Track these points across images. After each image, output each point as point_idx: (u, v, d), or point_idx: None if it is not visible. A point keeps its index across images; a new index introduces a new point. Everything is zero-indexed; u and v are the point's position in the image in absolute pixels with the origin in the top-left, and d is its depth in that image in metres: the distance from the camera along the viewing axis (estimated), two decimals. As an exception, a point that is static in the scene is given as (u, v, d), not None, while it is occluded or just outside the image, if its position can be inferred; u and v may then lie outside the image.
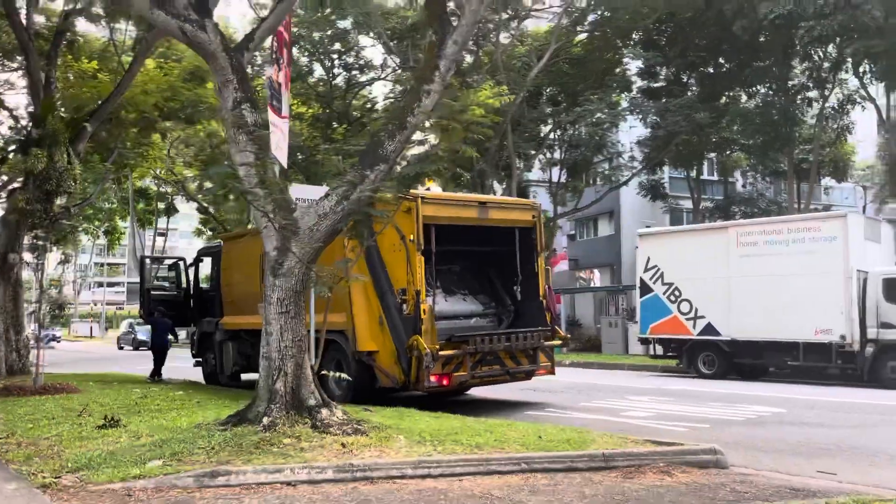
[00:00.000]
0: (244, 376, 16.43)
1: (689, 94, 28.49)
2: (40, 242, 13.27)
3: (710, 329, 16.00)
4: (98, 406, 10.95)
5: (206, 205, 46.63)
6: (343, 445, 6.59)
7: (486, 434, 7.30)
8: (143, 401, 11.63)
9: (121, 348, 40.69)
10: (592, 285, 39.32)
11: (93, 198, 19.63)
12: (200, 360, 17.24)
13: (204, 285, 17.87)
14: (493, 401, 12.59)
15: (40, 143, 15.86)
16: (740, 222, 18.84)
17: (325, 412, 7.32)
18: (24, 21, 16.93)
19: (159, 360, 17.00)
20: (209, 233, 52.22)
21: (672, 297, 16.73)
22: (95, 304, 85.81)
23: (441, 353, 10.48)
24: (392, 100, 33.50)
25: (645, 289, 17.32)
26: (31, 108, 17.76)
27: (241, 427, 7.23)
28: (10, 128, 17.52)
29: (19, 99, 25.11)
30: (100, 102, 17.76)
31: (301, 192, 10.82)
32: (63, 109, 17.14)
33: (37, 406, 11.19)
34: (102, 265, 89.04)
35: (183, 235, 76.70)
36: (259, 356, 14.85)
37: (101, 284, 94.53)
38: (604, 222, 41.80)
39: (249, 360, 15.59)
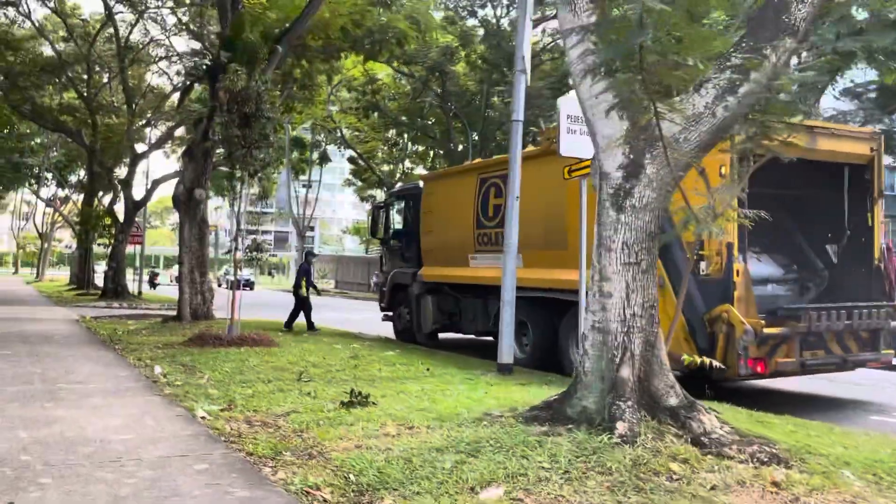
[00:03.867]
0: (443, 335, 14.50)
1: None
2: (238, 173, 11.56)
3: None
4: (312, 368, 9.10)
5: (360, 152, 45.62)
6: (776, 486, 4.03)
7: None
8: (360, 363, 9.70)
9: (219, 285, 41.18)
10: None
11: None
12: (391, 314, 15.41)
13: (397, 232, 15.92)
14: (785, 393, 9.71)
15: (230, 67, 14.27)
16: None
17: (704, 420, 4.78)
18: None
19: (303, 310, 15.24)
20: (359, 183, 51.44)
21: None
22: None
23: (766, 330, 7.72)
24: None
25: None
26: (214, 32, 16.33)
27: (571, 430, 4.86)
28: (197, 52, 16.10)
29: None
30: (287, 25, 16.03)
31: (575, 107, 8.25)
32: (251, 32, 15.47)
33: (241, 362, 9.52)
34: (252, 213, 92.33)
35: (326, 188, 76.91)
36: (527, 322, 12.24)
37: (253, 232, 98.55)
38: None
39: (452, 319, 13.54)
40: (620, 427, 4.64)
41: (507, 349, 9.37)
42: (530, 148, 12.01)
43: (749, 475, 4.15)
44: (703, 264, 8.27)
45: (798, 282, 9.67)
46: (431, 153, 45.37)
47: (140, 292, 31.64)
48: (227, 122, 11.61)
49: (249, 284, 44.79)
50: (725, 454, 4.43)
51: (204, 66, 14.68)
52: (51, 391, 7.02)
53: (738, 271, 7.93)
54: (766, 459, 4.38)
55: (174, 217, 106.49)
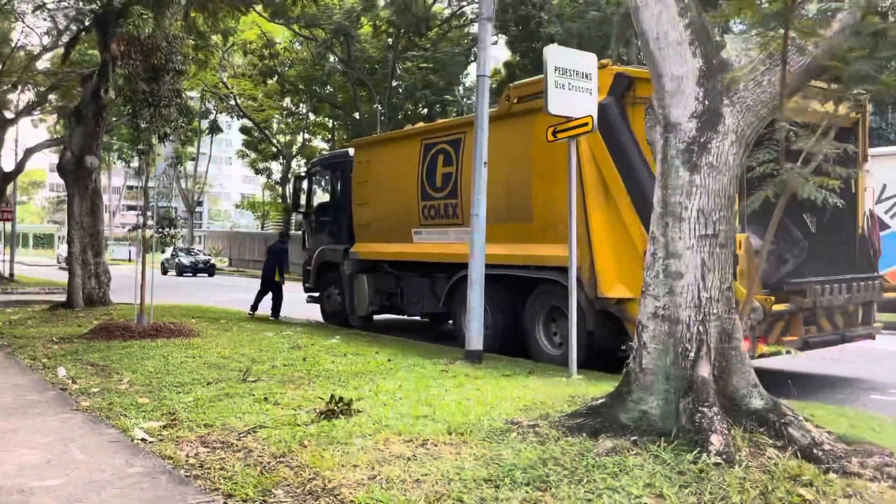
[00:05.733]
0: (378, 317, 13.34)
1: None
2: (146, 137, 9.85)
3: (982, 278, 12.45)
4: (253, 364, 7.73)
5: (257, 122, 42.92)
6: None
7: None
8: (306, 355, 8.41)
9: (165, 273, 36.92)
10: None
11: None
12: (317, 295, 14.05)
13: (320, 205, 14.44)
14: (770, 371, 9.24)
15: (124, 13, 12.33)
16: None
17: (808, 426, 3.93)
18: None
19: (274, 296, 14.07)
20: (253, 155, 48.62)
21: (921, 237, 13.15)
22: (123, 227, 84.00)
23: (774, 307, 7.06)
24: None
25: (879, 225, 13.70)
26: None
27: (639, 443, 3.92)
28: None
29: None
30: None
31: (564, 58, 7.23)
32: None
33: (163, 359, 8.01)
34: (132, 188, 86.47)
35: (213, 161, 72.76)
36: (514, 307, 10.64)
37: (131, 208, 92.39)
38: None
39: (391, 299, 12.37)
40: (716, 441, 3.71)
41: (477, 334, 8.35)
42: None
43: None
44: (698, 236, 7.53)
45: (776, 253, 9.17)
46: (330, 123, 43.39)
47: (12, 274, 28.43)
48: (132, 76, 9.82)
49: (208, 269, 36.89)
50: (849, 471, 3.60)
51: (91, 12, 12.57)
52: (-74, 412, 5.38)
53: (740, 242, 7.24)
54: (898, 474, 3.59)
55: (42, 192, 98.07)
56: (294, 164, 47.11)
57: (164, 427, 5.12)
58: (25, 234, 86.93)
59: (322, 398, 5.85)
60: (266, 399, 5.93)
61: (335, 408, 5.26)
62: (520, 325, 9.67)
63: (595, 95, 7.40)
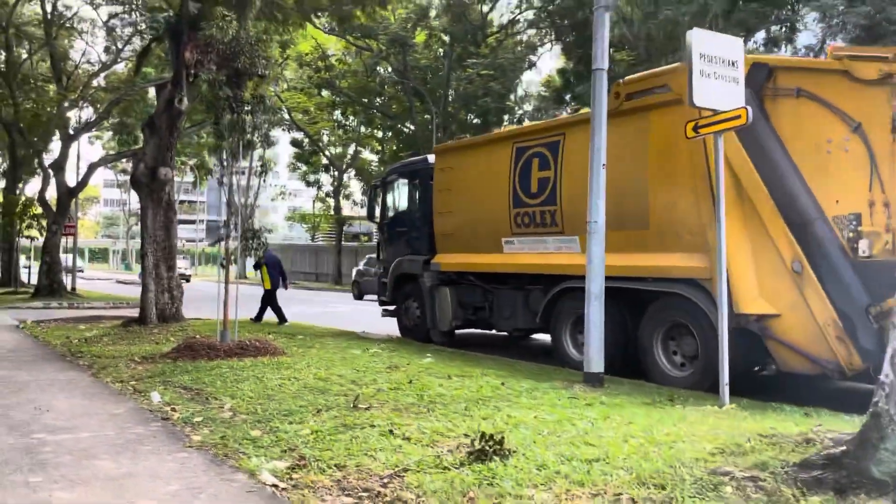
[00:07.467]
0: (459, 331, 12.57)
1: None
2: (230, 145, 9.32)
3: None
4: (355, 386, 7.05)
5: (311, 134, 42.66)
6: None
7: None
8: (409, 376, 7.68)
9: (360, 297, 28.40)
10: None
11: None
12: (393, 308, 13.39)
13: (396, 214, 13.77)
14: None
15: (198, 20, 11.89)
16: None
17: None
18: None
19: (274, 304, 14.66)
20: (304, 167, 48.50)
21: None
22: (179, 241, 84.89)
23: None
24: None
25: None
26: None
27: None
28: (152, 8, 13.51)
29: None
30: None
31: (710, 44, 6.42)
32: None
33: (258, 381, 7.39)
34: (183, 202, 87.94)
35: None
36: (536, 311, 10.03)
37: (182, 221, 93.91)
38: None
39: (477, 314, 11.64)
40: None
41: (597, 355, 7.53)
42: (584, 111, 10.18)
43: None
44: (862, 243, 6.64)
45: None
46: (380, 133, 42.96)
47: (74, 288, 28.52)
48: (215, 81, 9.31)
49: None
50: None
51: (165, 21, 12.16)
52: (29, 450, 4.75)
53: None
54: None
55: (96, 207, 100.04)
56: (346, 176, 46.85)
57: (292, 468, 4.43)
58: (81, 248, 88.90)
59: (454, 431, 5.15)
60: (392, 432, 5.20)
61: (486, 447, 4.50)
62: (630, 344, 8.84)
63: (742, 85, 6.57)
